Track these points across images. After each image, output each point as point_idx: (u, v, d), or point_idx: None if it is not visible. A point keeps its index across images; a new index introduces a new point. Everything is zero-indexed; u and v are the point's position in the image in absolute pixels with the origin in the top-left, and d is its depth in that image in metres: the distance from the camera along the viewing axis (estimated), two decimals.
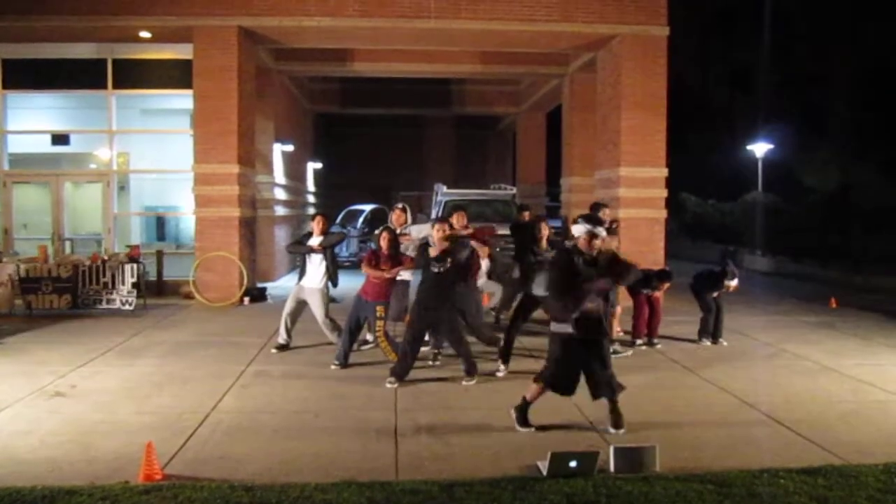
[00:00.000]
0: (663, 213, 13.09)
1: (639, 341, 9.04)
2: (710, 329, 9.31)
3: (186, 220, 14.61)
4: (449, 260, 7.06)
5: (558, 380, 5.69)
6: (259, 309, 12.02)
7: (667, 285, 9.14)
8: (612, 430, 5.65)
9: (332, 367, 7.79)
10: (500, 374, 7.51)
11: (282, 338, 8.68)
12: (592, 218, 5.76)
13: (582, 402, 6.52)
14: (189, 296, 12.56)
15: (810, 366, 8.15)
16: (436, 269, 7.05)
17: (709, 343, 9.25)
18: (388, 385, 7.05)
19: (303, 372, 7.70)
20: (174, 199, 15.74)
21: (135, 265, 11.72)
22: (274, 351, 8.58)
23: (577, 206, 16.03)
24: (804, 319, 11.21)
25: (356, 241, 19.33)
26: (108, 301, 11.45)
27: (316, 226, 8.60)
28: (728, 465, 4.97)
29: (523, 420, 5.75)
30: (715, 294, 9.28)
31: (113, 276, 11.50)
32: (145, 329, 10.11)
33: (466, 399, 6.72)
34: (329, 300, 8.79)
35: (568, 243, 6.31)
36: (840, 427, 5.92)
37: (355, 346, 8.16)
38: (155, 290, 12.92)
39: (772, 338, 9.71)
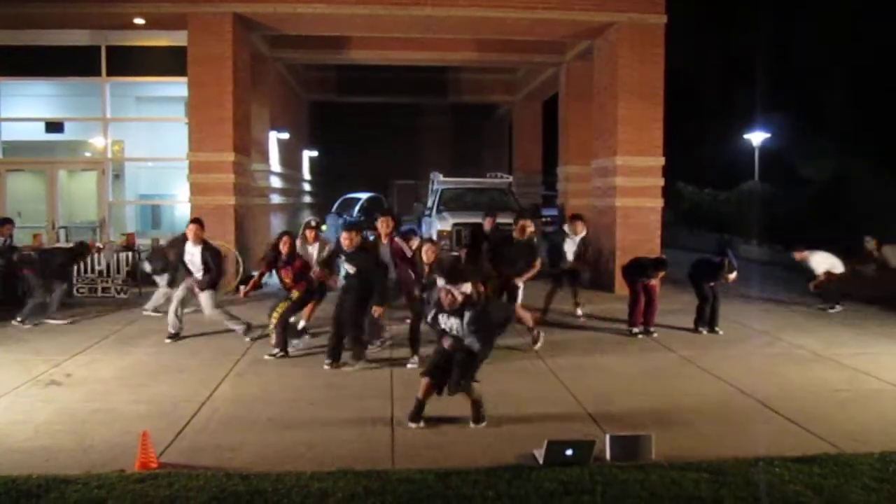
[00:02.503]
0: (660, 203, 13.06)
1: (635, 329, 9.06)
2: (707, 318, 9.32)
3: (182, 208, 14.55)
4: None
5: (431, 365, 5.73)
6: (255, 297, 11.96)
7: (662, 274, 9.15)
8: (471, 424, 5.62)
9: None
10: None
11: (174, 327, 8.73)
12: (452, 274, 5.88)
13: (579, 392, 6.54)
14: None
15: (806, 355, 8.16)
16: (349, 270, 7.43)
17: (705, 332, 9.26)
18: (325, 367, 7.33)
19: (298, 361, 7.70)
20: (169, 187, 15.69)
21: (130, 254, 11.68)
22: (168, 341, 8.56)
23: (573, 196, 16.05)
24: (799, 309, 11.22)
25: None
26: (104, 290, 11.42)
27: (192, 233, 8.62)
28: (724, 454, 4.98)
29: (415, 415, 5.65)
30: (711, 283, 9.30)
31: (108, 265, 11.46)
32: (140, 318, 10.08)
33: None
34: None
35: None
36: (835, 416, 5.93)
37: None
38: (151, 280, 12.85)
39: (767, 327, 9.73)
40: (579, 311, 10.36)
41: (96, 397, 6.31)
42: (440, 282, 5.79)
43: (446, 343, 5.62)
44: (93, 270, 11.39)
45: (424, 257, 7.34)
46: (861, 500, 4.31)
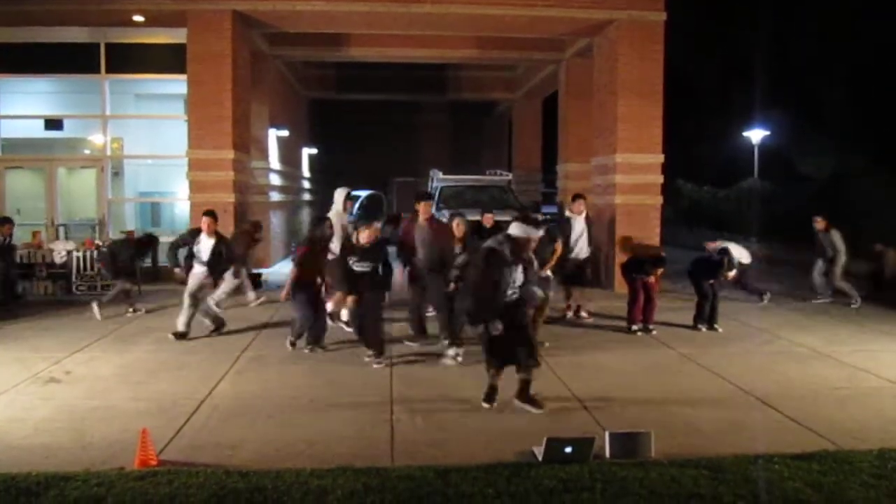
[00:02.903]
0: (659, 200, 13.07)
1: (634, 327, 9.06)
2: (706, 315, 9.33)
3: (181, 205, 14.54)
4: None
5: (494, 356, 5.94)
6: (255, 295, 11.99)
7: (661, 271, 9.15)
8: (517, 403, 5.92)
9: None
10: None
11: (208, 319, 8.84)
12: (528, 219, 5.98)
13: (578, 390, 6.54)
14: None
15: (805, 352, 8.17)
16: (359, 269, 7.39)
17: (704, 329, 9.27)
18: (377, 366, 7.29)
19: (298, 358, 7.70)
20: (169, 184, 15.67)
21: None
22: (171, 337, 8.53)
23: (573, 193, 16.00)
24: (798, 306, 11.23)
25: (351, 227, 19.25)
26: (104, 287, 11.40)
27: (206, 226, 8.60)
28: (723, 451, 4.99)
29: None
30: (711, 281, 9.31)
31: None
32: (140, 315, 10.08)
33: (462, 385, 6.71)
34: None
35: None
36: (834, 413, 5.94)
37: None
38: (150, 276, 12.86)
39: (766, 324, 9.74)
40: (570, 314, 10.02)
41: (96, 395, 6.32)
42: (518, 230, 5.75)
43: (495, 331, 5.75)
44: (93, 268, 11.38)
45: (456, 232, 7.61)
46: (860, 497, 4.31)
